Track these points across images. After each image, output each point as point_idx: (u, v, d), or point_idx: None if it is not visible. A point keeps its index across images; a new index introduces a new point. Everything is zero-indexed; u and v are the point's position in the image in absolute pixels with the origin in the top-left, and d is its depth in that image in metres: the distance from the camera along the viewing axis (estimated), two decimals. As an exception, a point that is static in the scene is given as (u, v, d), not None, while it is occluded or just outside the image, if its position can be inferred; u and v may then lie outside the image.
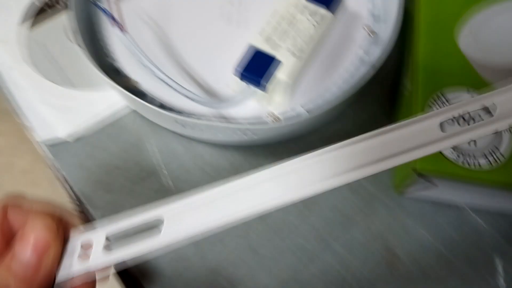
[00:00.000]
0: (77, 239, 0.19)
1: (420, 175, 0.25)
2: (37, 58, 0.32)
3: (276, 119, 0.28)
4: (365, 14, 0.32)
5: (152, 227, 0.19)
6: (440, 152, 0.25)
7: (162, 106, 0.29)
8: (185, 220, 0.18)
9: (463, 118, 0.20)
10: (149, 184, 0.30)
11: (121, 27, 0.29)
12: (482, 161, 0.25)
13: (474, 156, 0.25)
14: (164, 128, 0.31)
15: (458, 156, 0.25)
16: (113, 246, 0.19)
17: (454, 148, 0.26)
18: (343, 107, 0.31)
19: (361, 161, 0.18)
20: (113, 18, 0.30)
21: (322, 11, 0.29)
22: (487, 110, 0.18)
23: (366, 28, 0.31)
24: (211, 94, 0.30)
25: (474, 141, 0.26)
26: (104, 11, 0.30)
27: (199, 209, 0.18)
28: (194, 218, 0.18)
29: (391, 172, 0.30)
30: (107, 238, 0.19)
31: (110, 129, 0.31)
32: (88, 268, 0.18)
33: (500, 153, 0.26)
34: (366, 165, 0.18)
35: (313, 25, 0.28)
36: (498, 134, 0.26)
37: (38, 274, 0.17)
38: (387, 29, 0.32)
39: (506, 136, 0.26)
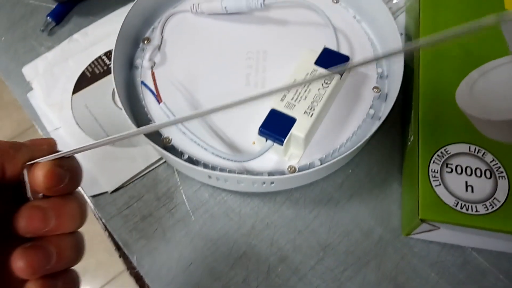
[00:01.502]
0: None
1: (423, 220, 0.28)
2: (81, 119, 0.36)
3: (292, 169, 0.32)
4: (371, 73, 0.36)
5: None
6: (440, 199, 0.28)
7: (190, 159, 0.33)
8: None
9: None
10: (179, 229, 0.33)
11: (159, 100, 0.34)
12: (479, 207, 0.28)
13: (472, 202, 0.28)
14: (192, 178, 0.34)
15: (457, 202, 0.28)
16: None
17: (453, 195, 0.28)
18: (352, 156, 0.34)
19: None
20: (153, 93, 0.35)
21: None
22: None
23: (373, 87, 0.35)
24: (234, 149, 0.33)
25: (472, 187, 0.29)
26: (148, 88, 0.35)
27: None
28: None
29: (399, 217, 0.33)
30: None
31: (145, 180, 0.35)
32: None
33: (496, 199, 0.28)
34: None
35: (323, 85, 0.32)
36: (494, 180, 0.29)
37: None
38: (391, 85, 0.35)
39: (501, 183, 0.29)
